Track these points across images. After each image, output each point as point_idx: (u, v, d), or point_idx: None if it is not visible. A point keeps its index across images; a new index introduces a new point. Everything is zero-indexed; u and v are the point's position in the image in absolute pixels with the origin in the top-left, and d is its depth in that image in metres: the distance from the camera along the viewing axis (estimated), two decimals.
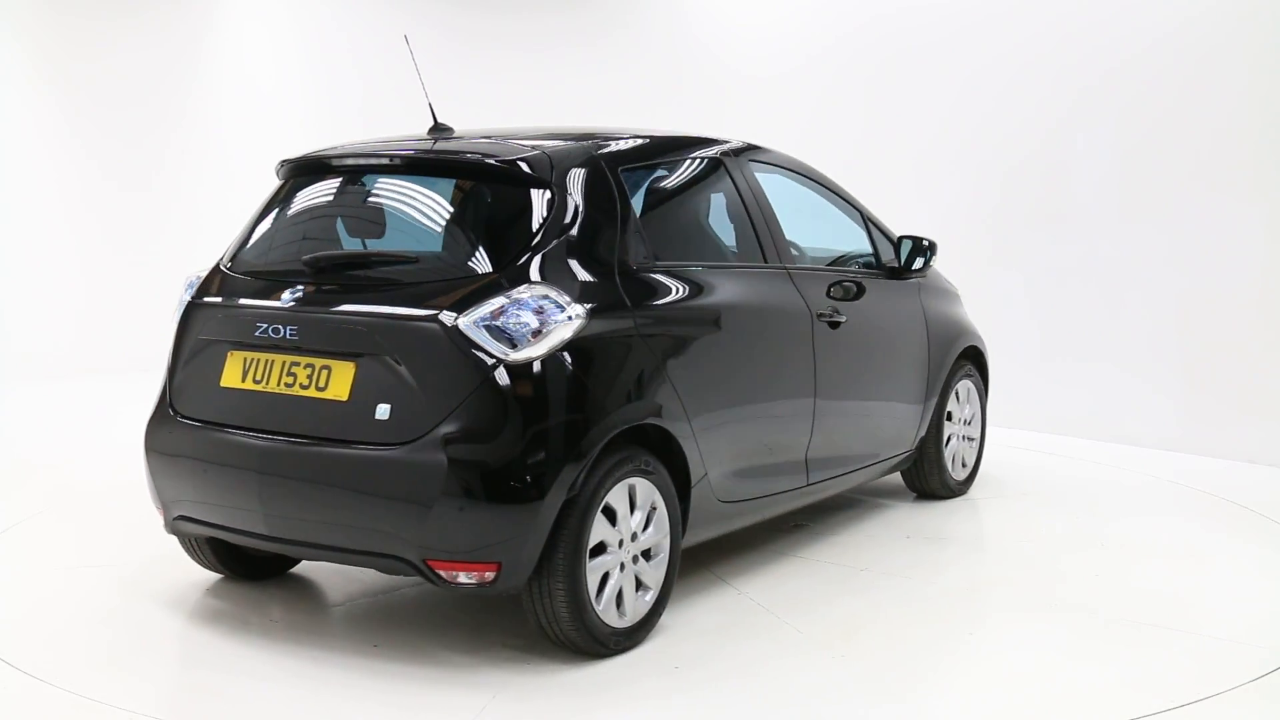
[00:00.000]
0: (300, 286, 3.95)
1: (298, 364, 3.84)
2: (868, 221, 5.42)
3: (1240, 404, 6.92)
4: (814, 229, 5.39)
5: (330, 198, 4.31)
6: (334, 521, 3.72)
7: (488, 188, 4.05)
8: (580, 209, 3.95)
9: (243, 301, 4.09)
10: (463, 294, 3.69)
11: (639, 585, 3.96)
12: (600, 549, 3.79)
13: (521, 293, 3.69)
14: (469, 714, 3.50)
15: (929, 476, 5.73)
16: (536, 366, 3.65)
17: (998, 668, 3.93)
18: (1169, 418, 7.14)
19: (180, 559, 4.61)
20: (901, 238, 5.47)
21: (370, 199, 4.26)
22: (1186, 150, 7.07)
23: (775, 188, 5.10)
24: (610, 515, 3.82)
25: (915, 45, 8.24)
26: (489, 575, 3.60)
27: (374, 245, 4.22)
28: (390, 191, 4.23)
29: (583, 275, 3.85)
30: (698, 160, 4.72)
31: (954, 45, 8.05)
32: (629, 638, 3.92)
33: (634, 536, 3.91)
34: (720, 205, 4.81)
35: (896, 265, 5.41)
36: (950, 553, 5.16)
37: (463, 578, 3.61)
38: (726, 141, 4.88)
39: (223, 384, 4.00)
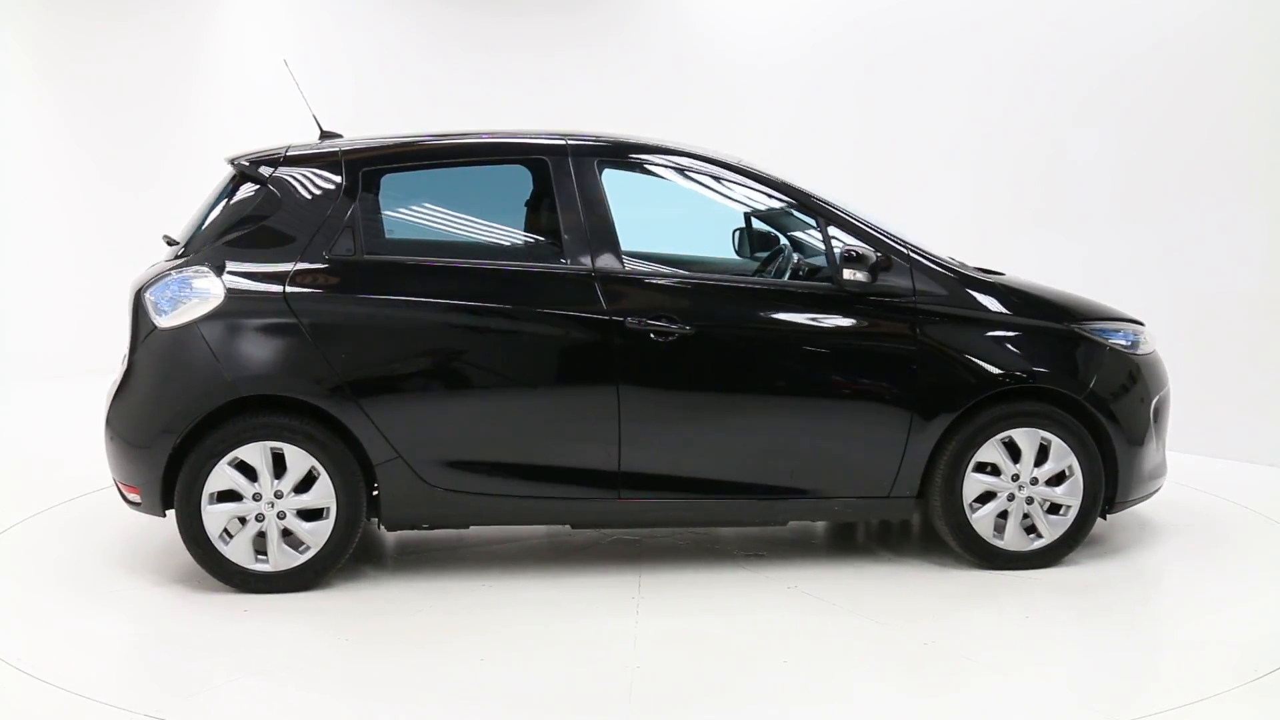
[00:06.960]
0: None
1: None
2: (826, 229, 4.75)
3: (1240, 404, 6.92)
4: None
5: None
6: None
7: (237, 183, 4.73)
8: (281, 203, 4.60)
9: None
10: (163, 271, 4.56)
11: (298, 543, 4.51)
12: (233, 497, 4.44)
13: (185, 272, 4.49)
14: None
15: (945, 536, 4.87)
16: (170, 335, 4.44)
17: (997, 668, 3.93)
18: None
19: (180, 557, 4.60)
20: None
21: (210, 194, 4.94)
22: (1186, 151, 7.07)
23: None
24: (250, 471, 4.45)
25: (921, 45, 8.25)
26: (137, 498, 4.50)
27: (182, 229, 4.86)
28: (211, 187, 4.97)
29: (246, 262, 4.51)
30: (491, 162, 4.89)
31: (955, 43, 8.06)
32: (267, 581, 4.50)
33: (279, 495, 4.44)
34: (512, 206, 4.91)
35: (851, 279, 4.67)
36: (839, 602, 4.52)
37: (129, 496, 4.56)
38: (562, 142, 4.74)
39: None
